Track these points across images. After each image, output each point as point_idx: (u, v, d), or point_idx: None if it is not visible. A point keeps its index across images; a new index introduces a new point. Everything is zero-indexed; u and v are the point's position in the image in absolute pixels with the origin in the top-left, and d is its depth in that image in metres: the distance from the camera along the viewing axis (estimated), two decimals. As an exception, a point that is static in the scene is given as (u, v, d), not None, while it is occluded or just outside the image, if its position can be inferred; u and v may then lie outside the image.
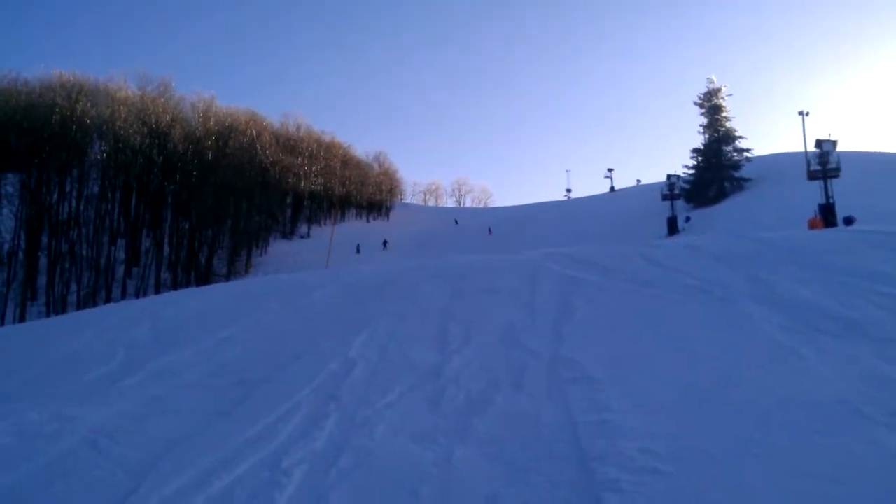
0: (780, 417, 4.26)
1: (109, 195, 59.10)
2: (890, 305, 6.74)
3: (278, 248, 71.46)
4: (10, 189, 50.17)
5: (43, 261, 48.70)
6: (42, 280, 48.10)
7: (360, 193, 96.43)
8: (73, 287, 49.32)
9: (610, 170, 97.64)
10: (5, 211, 49.57)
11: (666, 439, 4.02)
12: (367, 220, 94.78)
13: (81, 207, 55.16)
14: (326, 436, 4.72)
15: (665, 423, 4.32)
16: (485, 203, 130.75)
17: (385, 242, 70.09)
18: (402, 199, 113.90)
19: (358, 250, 66.80)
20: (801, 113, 44.54)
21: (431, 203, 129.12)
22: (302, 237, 78.75)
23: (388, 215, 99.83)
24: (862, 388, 4.60)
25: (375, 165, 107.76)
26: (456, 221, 75.92)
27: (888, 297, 7.00)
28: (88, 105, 57.55)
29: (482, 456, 4.15)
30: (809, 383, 4.86)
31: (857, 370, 5.04)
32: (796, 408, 4.39)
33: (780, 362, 5.44)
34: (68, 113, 54.12)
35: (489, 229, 76.56)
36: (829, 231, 16.53)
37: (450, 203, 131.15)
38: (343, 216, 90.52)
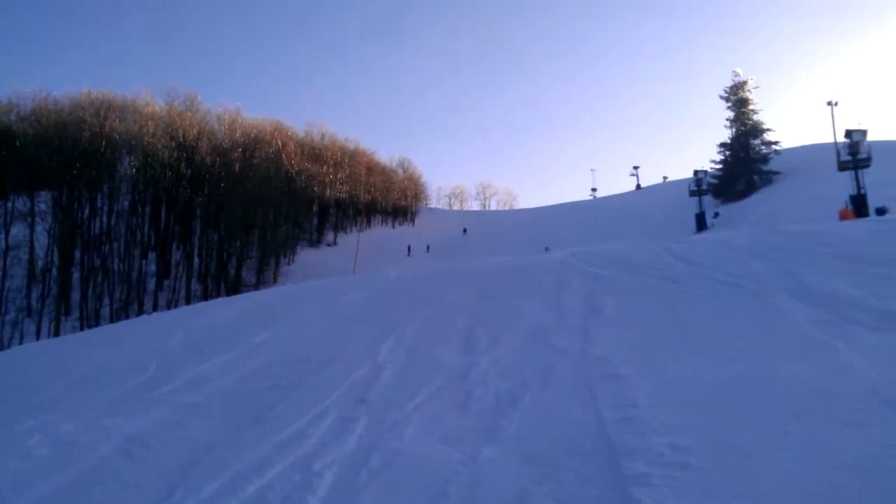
0: (813, 410, 4.19)
1: (139, 209, 60.15)
2: (924, 295, 6.61)
3: (305, 256, 72.07)
4: (42, 206, 51.18)
5: (76, 276, 49.65)
6: (76, 295, 49.00)
7: (386, 199, 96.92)
8: (106, 301, 50.17)
9: (636, 167, 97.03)
10: (38, 228, 50.60)
11: (696, 434, 3.98)
12: (393, 226, 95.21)
13: (112, 222, 56.22)
14: (356, 438, 4.75)
15: (695, 417, 4.28)
16: (510, 205, 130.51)
17: (428, 247, 71.75)
18: (426, 203, 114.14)
19: (409, 252, 69.11)
20: (829, 103, 43.98)
21: (456, 207, 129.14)
22: (329, 245, 79.34)
23: (413, 220, 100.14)
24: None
25: (400, 171, 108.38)
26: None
27: (922, 287, 6.87)
28: (117, 121, 58.66)
29: (511, 454, 4.15)
30: (843, 375, 4.77)
31: (891, 361, 4.96)
32: (829, 400, 4.32)
33: (813, 355, 5.35)
34: (97, 130, 55.15)
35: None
36: (861, 222, 16.25)
37: (474, 206, 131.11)
38: (369, 223, 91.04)
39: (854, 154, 35.90)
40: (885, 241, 9.88)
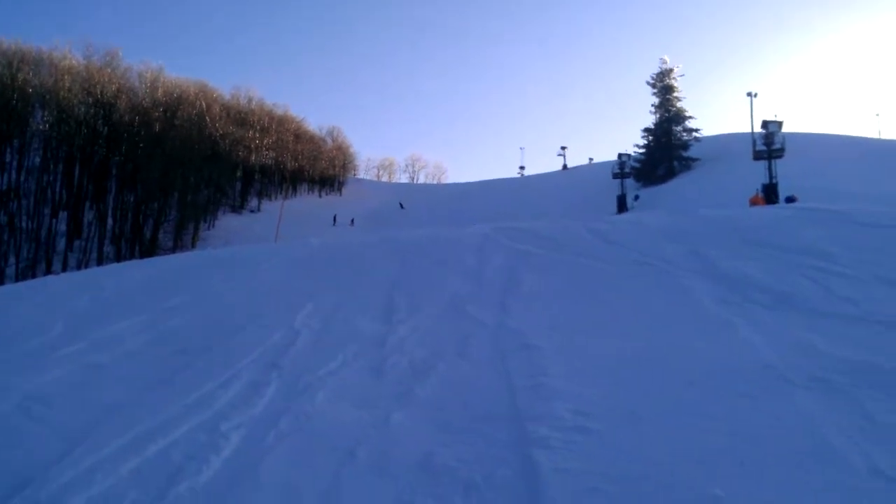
0: (709, 382, 4.43)
1: (52, 166, 57.36)
2: (820, 279, 7.00)
3: (227, 222, 70.34)
4: (-55, 159, 48.37)
5: (-20, 233, 47.20)
6: (-21, 252, 46.65)
7: (313, 168, 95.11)
8: (12, 260, 47.93)
9: (563, 148, 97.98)
10: (-59, 182, 47.84)
11: (598, 401, 4.15)
12: (320, 195, 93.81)
13: (22, 179, 53.57)
14: (266, 402, 4.72)
15: (599, 386, 4.45)
16: (438, 179, 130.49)
17: (352, 221, 70.19)
18: (355, 174, 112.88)
19: (335, 221, 68.32)
20: (749, 94, 45.49)
21: (385, 179, 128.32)
22: (252, 211, 77.56)
23: (340, 190, 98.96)
24: (787, 356, 4.80)
25: (329, 140, 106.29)
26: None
27: (819, 271, 7.27)
28: (30, 74, 55.73)
29: (421, 419, 4.22)
30: (739, 351, 5.05)
31: (784, 339, 5.26)
32: (725, 373, 4.57)
33: (714, 331, 5.64)
34: (9, 82, 52.29)
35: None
36: (769, 208, 16.95)
37: (403, 179, 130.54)
38: (295, 191, 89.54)
39: (769, 144, 37.30)
40: (790, 227, 10.34)
